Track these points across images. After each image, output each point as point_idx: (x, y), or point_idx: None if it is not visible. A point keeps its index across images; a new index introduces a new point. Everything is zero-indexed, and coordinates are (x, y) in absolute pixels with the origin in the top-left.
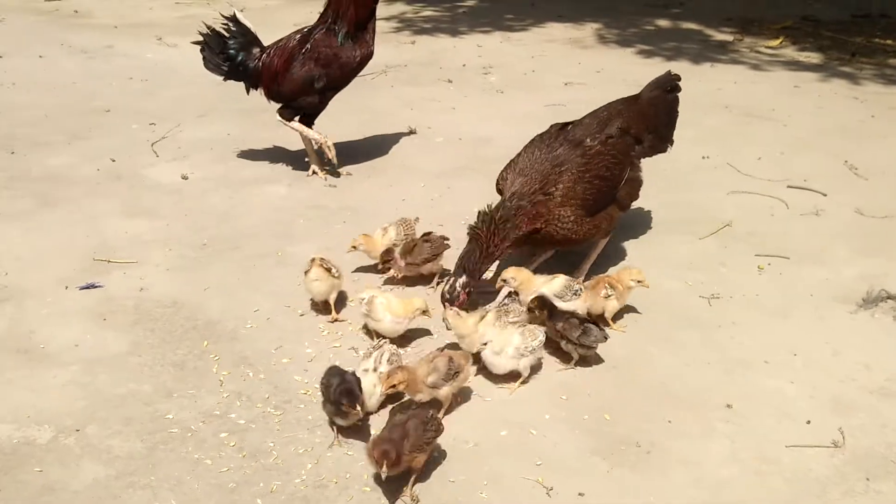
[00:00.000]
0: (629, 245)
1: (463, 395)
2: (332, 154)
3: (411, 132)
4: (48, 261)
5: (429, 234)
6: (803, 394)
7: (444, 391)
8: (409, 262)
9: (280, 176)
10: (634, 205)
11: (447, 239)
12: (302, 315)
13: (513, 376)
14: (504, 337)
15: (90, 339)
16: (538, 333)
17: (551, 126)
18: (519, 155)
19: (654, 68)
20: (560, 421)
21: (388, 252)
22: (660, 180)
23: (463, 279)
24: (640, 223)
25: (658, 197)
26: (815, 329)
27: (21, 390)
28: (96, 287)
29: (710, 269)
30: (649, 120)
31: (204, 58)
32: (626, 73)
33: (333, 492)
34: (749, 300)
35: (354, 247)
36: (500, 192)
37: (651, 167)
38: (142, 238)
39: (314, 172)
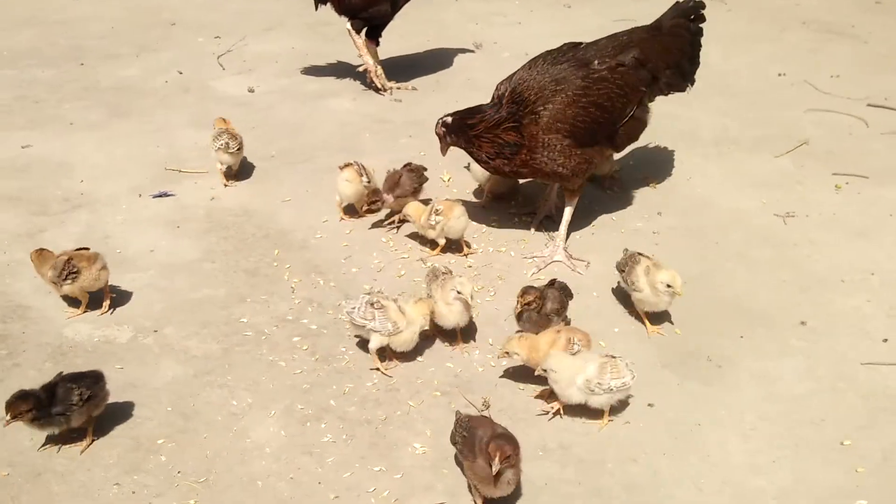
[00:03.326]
0: (703, 162)
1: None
2: (379, 82)
3: (477, 47)
4: (121, 169)
5: (409, 164)
6: (880, 312)
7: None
8: (398, 194)
9: (345, 90)
10: (709, 122)
11: (426, 169)
12: (371, 228)
13: None
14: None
15: (165, 245)
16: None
17: (564, 44)
18: (522, 67)
19: None
20: (629, 334)
21: (374, 192)
22: (736, 97)
23: (449, 119)
24: (715, 140)
25: (733, 114)
26: (893, 248)
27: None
28: (169, 196)
29: (787, 187)
30: (671, 54)
31: None
32: None
33: (404, 395)
34: (826, 219)
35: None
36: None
37: (726, 84)
38: (211, 149)
39: (382, 87)
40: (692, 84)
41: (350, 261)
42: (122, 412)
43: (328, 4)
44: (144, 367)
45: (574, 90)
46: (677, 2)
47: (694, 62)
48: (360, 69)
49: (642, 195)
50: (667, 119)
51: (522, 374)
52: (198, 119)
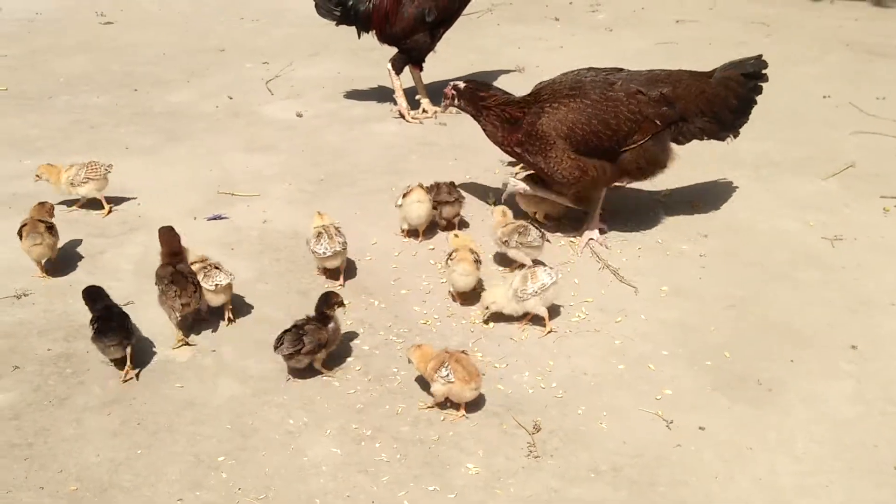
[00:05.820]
0: (747, 184)
1: (578, 330)
2: (408, 120)
3: (518, 71)
4: (176, 193)
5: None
6: None
7: None
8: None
9: (390, 114)
10: (753, 144)
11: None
12: (415, 255)
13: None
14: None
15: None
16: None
17: (610, 67)
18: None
19: (770, 5)
20: (678, 357)
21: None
22: (779, 119)
23: (462, 85)
24: (760, 162)
25: (778, 136)
26: None
27: (159, 312)
28: (223, 218)
29: (833, 209)
30: (711, 103)
31: (316, 4)
32: (740, 9)
33: (455, 415)
34: (874, 242)
35: (38, 175)
36: None
37: (769, 106)
38: (262, 172)
39: (424, 111)
40: (734, 136)
41: (399, 283)
42: (184, 429)
43: (371, 32)
44: (203, 385)
45: (583, 99)
46: (742, 60)
47: (739, 115)
48: (394, 111)
49: (687, 218)
50: (709, 141)
51: (572, 397)
52: (248, 143)
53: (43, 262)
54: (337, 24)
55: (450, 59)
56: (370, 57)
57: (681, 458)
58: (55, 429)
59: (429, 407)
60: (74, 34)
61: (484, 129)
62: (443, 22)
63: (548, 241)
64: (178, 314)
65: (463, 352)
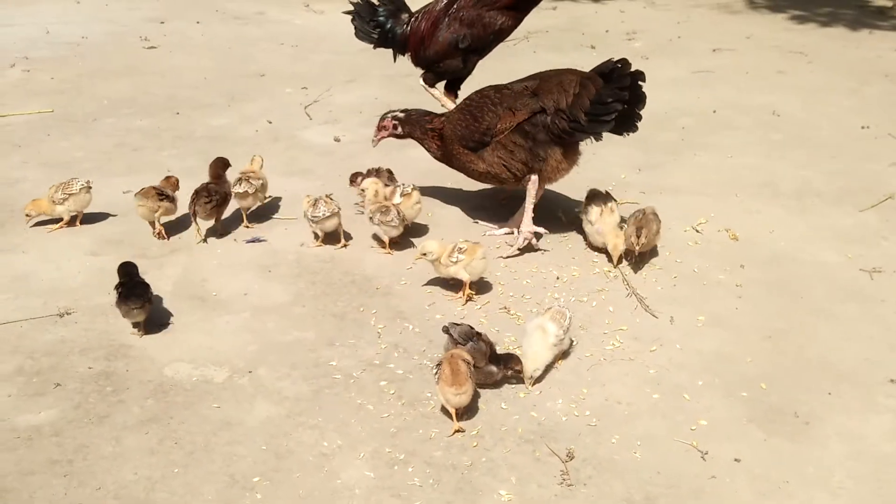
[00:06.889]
0: (785, 214)
1: (612, 359)
2: None
3: None
4: None
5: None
6: None
7: None
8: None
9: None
10: (791, 174)
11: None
12: (450, 280)
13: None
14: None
15: (258, 289)
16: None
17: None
18: None
19: (807, 35)
20: (714, 388)
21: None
22: (817, 149)
23: (399, 115)
24: (797, 192)
25: (815, 167)
26: None
27: (197, 333)
28: (261, 241)
29: (872, 242)
30: (566, 98)
31: (355, 27)
32: (777, 39)
33: (489, 442)
34: None
35: (28, 215)
36: None
37: (807, 136)
38: (300, 196)
39: None
40: (596, 139)
41: (434, 307)
42: (220, 449)
43: (406, 55)
44: (240, 406)
45: (467, 101)
46: (607, 61)
47: (594, 118)
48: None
49: (724, 247)
50: (747, 171)
51: (606, 425)
52: (286, 167)
53: (153, 222)
54: (374, 47)
55: (483, 83)
56: (406, 83)
57: (715, 489)
58: (94, 446)
59: (458, 430)
60: (119, 58)
61: (428, 150)
62: (476, 50)
63: (406, 224)
64: (192, 217)
65: (464, 359)
